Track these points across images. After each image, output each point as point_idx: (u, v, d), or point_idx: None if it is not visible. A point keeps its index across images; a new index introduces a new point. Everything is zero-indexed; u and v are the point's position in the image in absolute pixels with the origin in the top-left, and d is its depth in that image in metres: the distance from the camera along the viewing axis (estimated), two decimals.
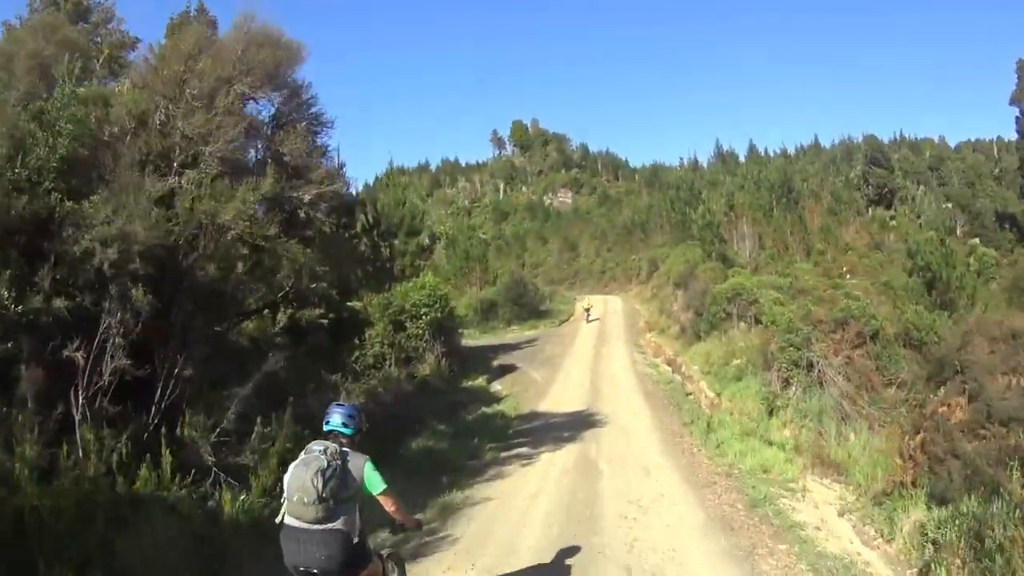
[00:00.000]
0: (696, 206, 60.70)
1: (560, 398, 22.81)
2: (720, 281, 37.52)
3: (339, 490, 4.91)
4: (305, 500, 4.80)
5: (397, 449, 16.51)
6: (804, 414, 20.77)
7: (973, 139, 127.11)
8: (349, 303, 25.36)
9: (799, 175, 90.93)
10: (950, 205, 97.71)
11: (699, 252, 45.41)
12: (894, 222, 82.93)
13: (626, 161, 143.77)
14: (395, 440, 17.08)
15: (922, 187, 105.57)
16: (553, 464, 14.43)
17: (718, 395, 23.61)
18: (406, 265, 28.83)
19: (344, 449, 5.14)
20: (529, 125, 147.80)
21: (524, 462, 14.63)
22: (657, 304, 45.77)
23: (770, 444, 17.13)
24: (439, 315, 25.67)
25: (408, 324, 25.00)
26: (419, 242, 30.89)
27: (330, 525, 4.90)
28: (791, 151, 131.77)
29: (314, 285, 19.44)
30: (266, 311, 16.61)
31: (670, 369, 29.43)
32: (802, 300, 34.08)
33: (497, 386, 25.97)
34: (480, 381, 26.35)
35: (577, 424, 18.52)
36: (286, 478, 5.00)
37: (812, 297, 35.74)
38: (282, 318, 21.93)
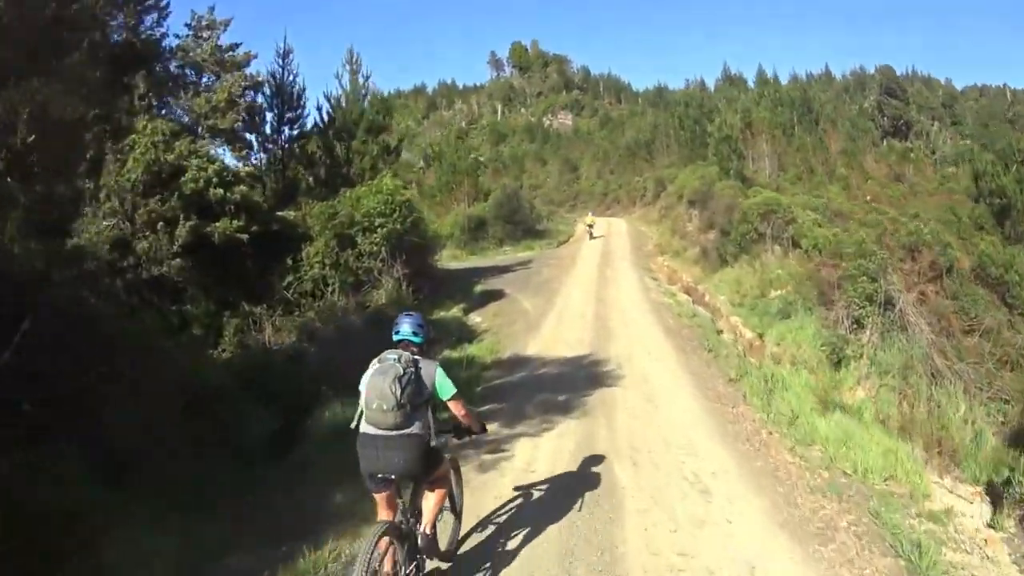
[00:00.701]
0: (706, 123, 55.22)
1: (556, 336, 16.84)
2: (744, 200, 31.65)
3: (415, 396, 4.83)
4: (384, 407, 4.72)
5: (305, 421, 10.68)
6: (884, 368, 14.95)
7: (979, 84, 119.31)
8: (282, 213, 19.46)
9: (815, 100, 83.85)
10: (968, 142, 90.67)
11: (715, 170, 39.05)
12: (912, 155, 76.17)
13: (629, 84, 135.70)
14: (313, 401, 11.32)
15: (936, 123, 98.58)
16: (531, 470, 8.23)
17: (760, 336, 17.70)
18: (365, 168, 22.48)
19: (415, 357, 5.02)
20: (529, 46, 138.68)
21: (481, 470, 8.23)
22: (668, 225, 39.53)
23: (859, 417, 11.55)
24: (400, 227, 19.46)
25: (360, 239, 18.81)
26: (384, 142, 24.35)
27: (407, 430, 4.83)
28: (802, 77, 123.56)
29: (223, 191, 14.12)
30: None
31: (690, 299, 23.63)
32: (843, 224, 28.18)
33: (476, 318, 20.12)
34: (455, 311, 20.45)
35: (578, 380, 12.60)
36: (363, 386, 4.87)
37: (854, 221, 29.72)
38: (182, 232, 15.97)
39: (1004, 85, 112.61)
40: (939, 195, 45.88)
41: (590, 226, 42.17)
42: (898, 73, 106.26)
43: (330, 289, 17.61)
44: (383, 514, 5.08)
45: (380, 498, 5.06)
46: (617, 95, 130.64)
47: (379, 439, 4.82)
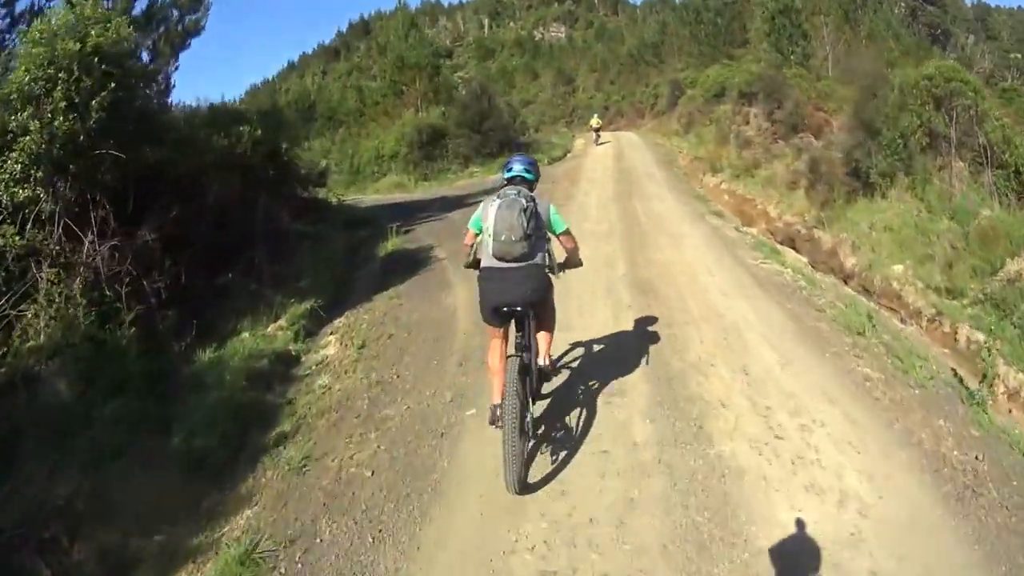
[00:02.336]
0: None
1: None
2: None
3: (537, 228, 4.76)
4: (513, 237, 4.64)
5: None
6: None
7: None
8: None
9: None
10: (1020, 55, 75.95)
11: (763, 63, 25.65)
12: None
13: None
14: None
15: (972, 36, 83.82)
16: None
17: None
18: None
19: (530, 193, 4.92)
20: None
21: None
22: (709, 132, 25.92)
23: None
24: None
25: None
26: None
27: (533, 260, 4.78)
28: None
29: None
30: None
31: (805, 262, 11.18)
32: None
33: (327, 350, 7.94)
34: (279, 334, 8.02)
35: None
36: (490, 220, 4.73)
37: None
38: None
39: None
40: None
41: (596, 129, 34.48)
42: None
43: None
44: (498, 349, 4.93)
45: (498, 334, 4.97)
46: (614, 6, 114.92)
47: (507, 271, 4.74)
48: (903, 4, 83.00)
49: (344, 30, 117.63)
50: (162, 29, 11.55)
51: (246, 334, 7.71)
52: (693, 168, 22.17)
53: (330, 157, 28.19)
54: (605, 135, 35.89)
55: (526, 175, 5.06)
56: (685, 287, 8.84)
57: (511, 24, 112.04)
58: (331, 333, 8.14)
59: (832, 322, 7.76)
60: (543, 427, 5.41)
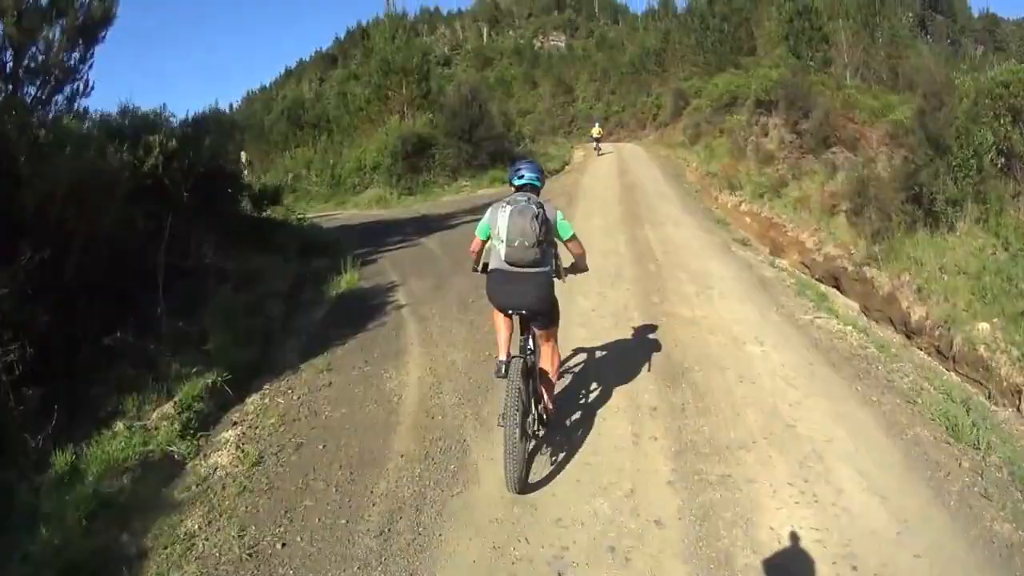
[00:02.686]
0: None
1: None
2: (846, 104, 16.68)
3: (547, 234, 4.75)
4: (526, 243, 4.63)
5: None
6: None
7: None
8: None
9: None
10: None
11: (784, 68, 23.19)
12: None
13: (626, 5, 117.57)
14: None
15: (980, 46, 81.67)
16: None
17: None
18: None
19: (539, 200, 4.88)
20: None
21: None
22: (721, 144, 23.48)
23: None
24: None
25: None
26: None
27: (542, 268, 4.78)
28: None
29: None
30: None
31: (855, 308, 9.71)
32: None
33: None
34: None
35: None
36: (501, 225, 4.71)
37: None
38: None
39: None
40: None
41: (597, 139, 33.38)
42: None
43: None
44: (506, 326, 4.97)
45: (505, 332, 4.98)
46: (614, 15, 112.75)
47: (517, 275, 4.75)
48: (911, 14, 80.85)
49: (342, 37, 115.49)
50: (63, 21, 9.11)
51: (120, 424, 5.38)
52: (705, 184, 19.78)
53: (312, 167, 25.90)
54: (606, 146, 34.18)
55: (536, 183, 5.05)
56: (731, 372, 6.45)
57: (510, 33, 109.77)
58: (234, 424, 5.81)
59: (931, 423, 5.50)
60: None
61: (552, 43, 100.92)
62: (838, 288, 11.18)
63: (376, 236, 13.91)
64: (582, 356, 6.70)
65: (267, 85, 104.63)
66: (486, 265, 4.98)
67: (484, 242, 5.03)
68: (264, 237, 12.28)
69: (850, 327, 7.91)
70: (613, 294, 8.74)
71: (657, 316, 7.91)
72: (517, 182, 5.02)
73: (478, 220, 5.04)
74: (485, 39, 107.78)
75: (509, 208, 4.73)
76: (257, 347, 7.33)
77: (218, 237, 9.86)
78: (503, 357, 4.76)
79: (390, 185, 22.16)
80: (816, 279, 11.48)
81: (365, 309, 8.70)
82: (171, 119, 10.19)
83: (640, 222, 13.67)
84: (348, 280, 10.00)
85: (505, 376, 4.57)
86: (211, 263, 9.24)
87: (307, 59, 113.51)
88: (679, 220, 14.11)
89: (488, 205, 5.04)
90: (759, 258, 11.54)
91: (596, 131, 34.16)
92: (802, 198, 14.43)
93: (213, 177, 10.63)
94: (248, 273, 9.79)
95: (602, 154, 31.18)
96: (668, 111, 42.32)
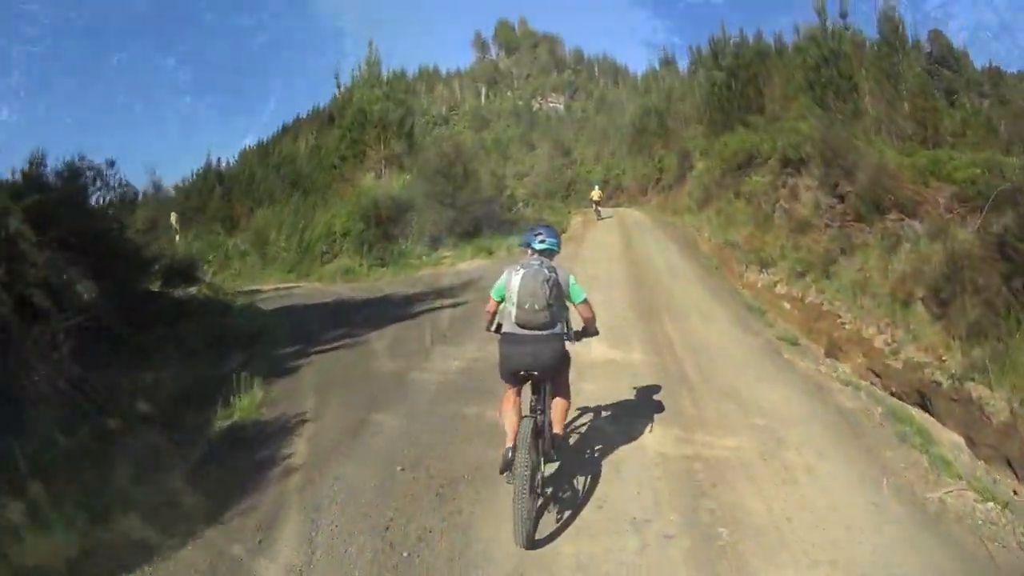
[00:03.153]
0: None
1: None
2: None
3: (557, 297, 4.89)
4: (536, 307, 4.78)
5: None
6: None
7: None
8: None
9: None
10: None
11: (811, 121, 20.43)
12: None
13: (627, 67, 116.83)
14: None
15: (985, 100, 79.90)
16: None
17: None
18: None
19: (551, 264, 5.08)
20: (516, 25, 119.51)
21: None
22: (741, 211, 20.47)
23: None
24: None
25: None
26: None
27: (553, 330, 4.88)
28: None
29: None
30: None
31: (959, 441, 6.90)
32: None
33: None
34: None
35: None
36: (513, 289, 4.85)
37: None
38: None
39: None
40: None
41: (596, 203, 31.58)
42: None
43: None
44: (511, 399, 4.97)
45: (513, 388, 5.00)
46: (614, 76, 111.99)
47: (528, 338, 4.85)
48: (919, 68, 79.42)
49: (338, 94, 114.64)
50: None
51: None
52: (724, 257, 16.79)
53: (282, 229, 23.07)
54: (606, 210, 32.10)
55: (554, 248, 5.22)
56: None
57: (508, 93, 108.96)
58: None
59: None
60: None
61: (551, 104, 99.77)
62: (926, 409, 8.11)
63: (319, 324, 10.87)
64: None
65: (264, 141, 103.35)
66: (499, 326, 5.06)
67: (499, 303, 5.12)
68: (170, 322, 9.38)
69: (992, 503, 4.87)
70: (631, 492, 5.53)
71: (711, 524, 4.76)
72: (538, 247, 5.16)
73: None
74: (483, 99, 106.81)
75: (522, 271, 4.90)
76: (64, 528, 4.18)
77: (89, 335, 6.93)
78: (509, 444, 4.68)
79: (360, 254, 19.22)
80: (894, 393, 8.41)
81: (245, 466, 5.59)
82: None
83: (657, 314, 10.58)
84: (245, 405, 6.93)
85: (510, 471, 4.52)
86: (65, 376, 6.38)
87: (304, 115, 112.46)
88: (706, 310, 11.02)
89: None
90: (820, 367, 8.45)
91: (596, 194, 32.48)
92: (860, 281, 11.38)
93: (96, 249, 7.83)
94: (116, 388, 6.87)
95: (602, 218, 29.36)
96: (672, 173, 39.89)
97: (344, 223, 20.17)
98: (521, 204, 32.04)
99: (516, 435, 4.60)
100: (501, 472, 4.58)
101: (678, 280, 13.85)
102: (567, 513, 4.96)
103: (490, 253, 19.03)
